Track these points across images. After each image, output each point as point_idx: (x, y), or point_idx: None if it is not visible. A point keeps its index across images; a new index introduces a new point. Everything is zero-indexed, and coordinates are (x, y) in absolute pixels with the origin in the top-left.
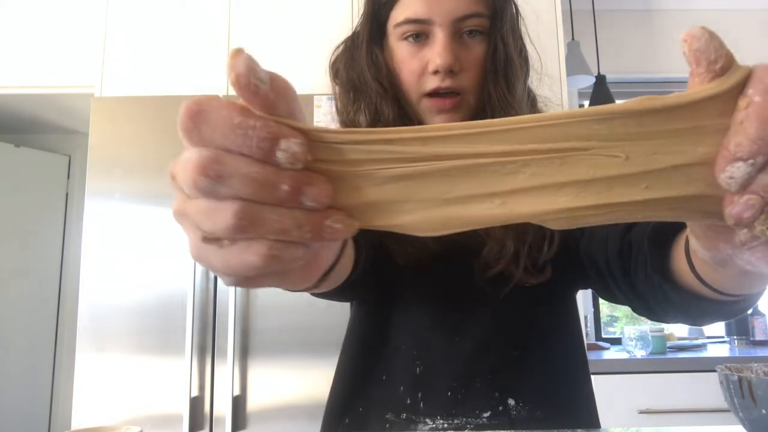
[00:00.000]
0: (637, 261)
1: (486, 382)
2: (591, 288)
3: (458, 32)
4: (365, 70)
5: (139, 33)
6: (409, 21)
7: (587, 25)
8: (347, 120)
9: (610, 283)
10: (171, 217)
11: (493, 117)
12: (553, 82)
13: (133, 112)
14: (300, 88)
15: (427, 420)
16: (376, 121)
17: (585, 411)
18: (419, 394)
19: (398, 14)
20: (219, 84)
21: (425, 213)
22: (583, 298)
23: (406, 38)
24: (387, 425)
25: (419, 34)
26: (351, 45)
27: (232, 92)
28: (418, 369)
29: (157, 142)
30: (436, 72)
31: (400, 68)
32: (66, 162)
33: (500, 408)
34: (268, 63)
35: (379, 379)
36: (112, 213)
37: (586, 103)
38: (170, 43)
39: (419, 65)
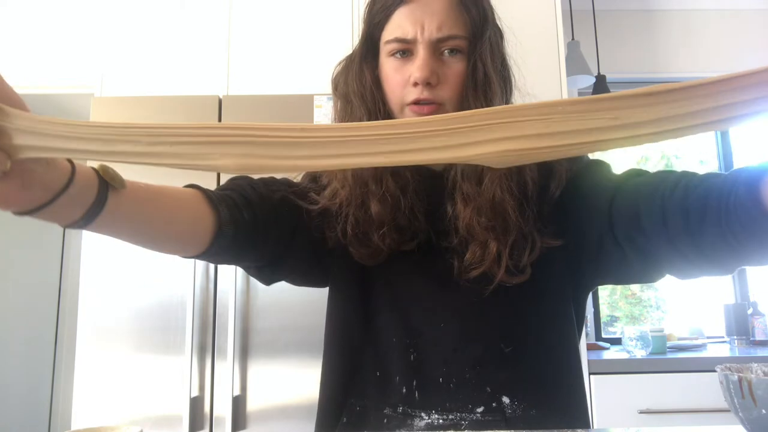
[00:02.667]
0: (704, 221)
1: (476, 373)
2: (621, 279)
3: (438, 51)
4: (354, 85)
5: (139, 33)
6: (396, 40)
7: (587, 25)
8: None
9: (673, 257)
10: None
11: None
12: (551, 84)
13: (133, 112)
14: (300, 88)
15: (423, 414)
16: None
17: (578, 411)
18: (414, 382)
19: (388, 33)
20: (219, 84)
21: (236, 160)
22: None
23: (393, 55)
24: (385, 420)
25: (405, 51)
26: (348, 62)
27: (232, 92)
28: (412, 356)
29: None
30: (416, 84)
31: (386, 80)
32: None
33: (494, 404)
34: (268, 63)
35: (374, 375)
36: None
37: None
38: (170, 43)
39: (402, 78)
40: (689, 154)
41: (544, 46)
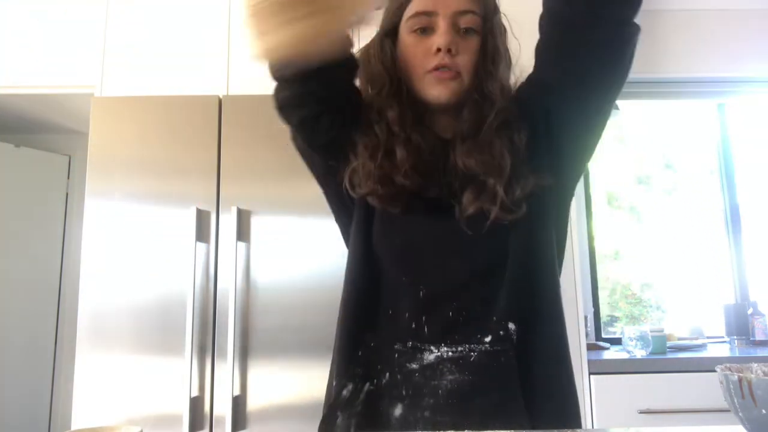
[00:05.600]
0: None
1: (485, 305)
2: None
3: (456, 26)
4: (375, 56)
5: (139, 33)
6: (418, 13)
7: None
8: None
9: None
10: (171, 217)
11: (483, 87)
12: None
13: (133, 112)
14: None
15: (432, 347)
16: (379, 90)
17: (559, 330)
18: (423, 318)
19: (410, 10)
20: (219, 84)
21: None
22: (583, 297)
23: (414, 31)
24: (396, 355)
25: (425, 28)
26: (370, 43)
27: (232, 92)
28: (421, 293)
29: (157, 142)
30: (438, 51)
31: (408, 52)
32: (66, 162)
33: (501, 333)
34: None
35: (386, 312)
36: (112, 213)
37: None
38: (170, 43)
39: (424, 48)
40: (689, 154)
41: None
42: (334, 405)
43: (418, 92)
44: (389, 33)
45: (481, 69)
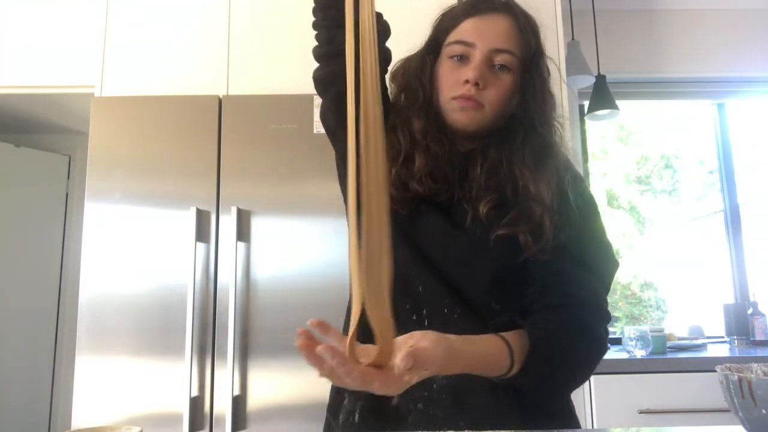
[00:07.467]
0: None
1: (478, 310)
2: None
3: (490, 62)
4: (414, 69)
5: (139, 33)
6: (458, 41)
7: (587, 25)
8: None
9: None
10: (171, 217)
11: (527, 121)
12: (551, 84)
13: (133, 112)
14: (300, 88)
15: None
16: (412, 101)
17: None
18: (424, 312)
19: (452, 37)
20: (219, 84)
21: None
22: None
23: (452, 57)
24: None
25: (462, 56)
26: (413, 54)
27: (232, 92)
28: (420, 288)
29: (157, 142)
30: (466, 82)
31: (441, 77)
32: (66, 162)
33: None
34: (267, 63)
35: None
36: (112, 213)
37: (586, 103)
38: (170, 43)
39: (456, 77)
40: (689, 154)
41: (544, 46)
42: (341, 387)
43: (442, 113)
44: (432, 50)
45: (513, 105)
